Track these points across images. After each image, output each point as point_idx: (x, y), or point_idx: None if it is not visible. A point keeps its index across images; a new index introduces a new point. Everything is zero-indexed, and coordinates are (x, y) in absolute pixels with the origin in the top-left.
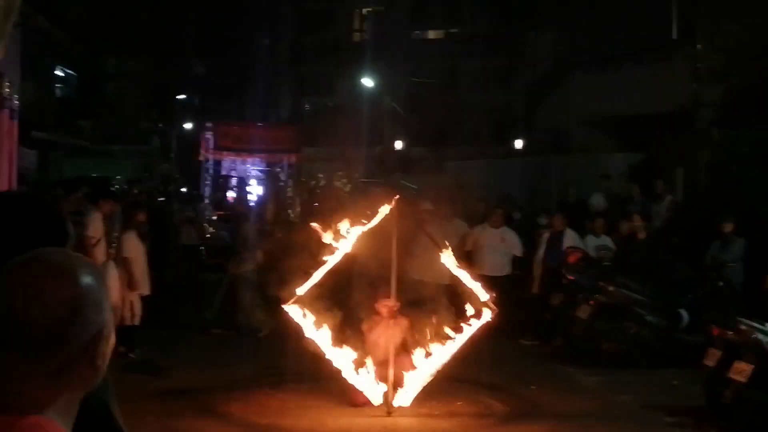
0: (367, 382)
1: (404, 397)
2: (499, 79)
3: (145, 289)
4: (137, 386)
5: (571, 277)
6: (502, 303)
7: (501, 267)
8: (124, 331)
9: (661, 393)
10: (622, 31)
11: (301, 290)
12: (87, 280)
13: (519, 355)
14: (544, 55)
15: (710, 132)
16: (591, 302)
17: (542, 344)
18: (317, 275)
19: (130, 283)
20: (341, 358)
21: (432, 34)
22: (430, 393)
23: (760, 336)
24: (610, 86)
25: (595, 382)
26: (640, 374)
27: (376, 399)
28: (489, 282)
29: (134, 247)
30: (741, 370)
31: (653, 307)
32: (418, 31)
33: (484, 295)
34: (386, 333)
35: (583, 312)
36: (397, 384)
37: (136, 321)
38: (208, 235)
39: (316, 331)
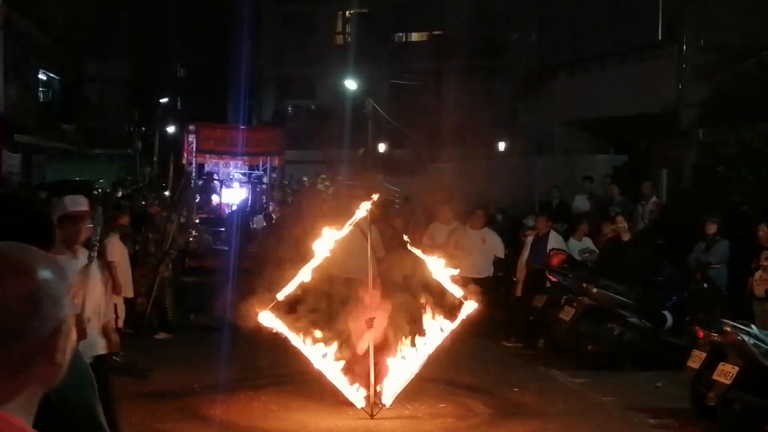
0: (349, 385)
1: (387, 395)
2: (482, 80)
3: (128, 292)
4: (120, 388)
5: (555, 279)
6: (484, 305)
7: (482, 268)
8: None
9: (645, 395)
10: (607, 31)
11: (281, 295)
12: (45, 274)
13: (502, 357)
14: (528, 56)
15: (695, 132)
16: (574, 304)
17: (526, 346)
18: (297, 280)
19: (114, 286)
20: (323, 359)
21: (415, 36)
22: (413, 395)
23: (745, 338)
24: (595, 87)
25: (579, 383)
26: (624, 376)
27: (359, 401)
28: (470, 284)
29: (118, 251)
30: (725, 372)
31: (637, 309)
32: (400, 34)
33: (459, 292)
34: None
35: (567, 314)
36: (379, 380)
37: (120, 324)
38: (191, 239)
39: (295, 334)
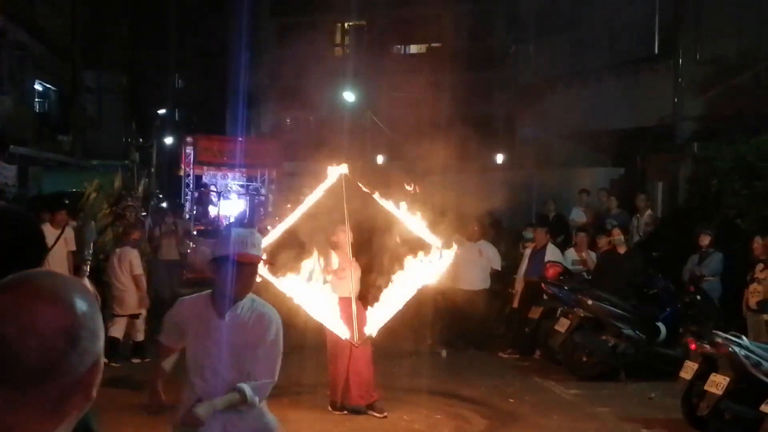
0: (339, 324)
1: (371, 328)
2: (480, 93)
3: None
4: (118, 399)
5: (550, 291)
6: (481, 317)
7: (479, 281)
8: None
9: (639, 405)
10: (604, 45)
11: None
12: (83, 306)
13: (498, 368)
14: (526, 68)
15: (691, 146)
16: (570, 316)
17: (521, 357)
18: (275, 234)
19: (140, 299)
20: (313, 301)
21: (414, 49)
22: (409, 406)
23: (736, 349)
24: (592, 100)
25: (574, 394)
26: (618, 387)
27: (345, 334)
28: (467, 296)
29: (139, 264)
30: (717, 383)
31: (631, 321)
32: (399, 46)
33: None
34: (348, 269)
35: (562, 325)
36: (361, 324)
37: (140, 337)
38: (189, 250)
39: (284, 281)
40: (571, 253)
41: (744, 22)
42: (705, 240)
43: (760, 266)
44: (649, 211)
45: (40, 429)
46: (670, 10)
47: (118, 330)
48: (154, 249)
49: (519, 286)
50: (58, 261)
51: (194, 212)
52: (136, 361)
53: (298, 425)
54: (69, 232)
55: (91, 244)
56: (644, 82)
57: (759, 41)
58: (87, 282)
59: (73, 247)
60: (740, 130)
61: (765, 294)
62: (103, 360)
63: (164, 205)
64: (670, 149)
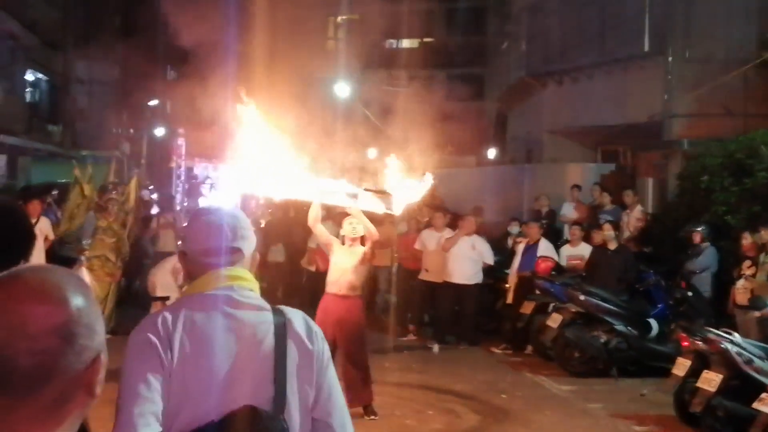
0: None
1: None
2: (472, 88)
3: None
4: (105, 393)
5: (542, 286)
6: (473, 311)
7: (471, 275)
8: None
9: (631, 402)
10: (595, 42)
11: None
12: (77, 301)
13: (490, 364)
14: (517, 64)
15: (681, 143)
16: (562, 311)
17: (513, 353)
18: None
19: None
20: None
21: (406, 44)
22: (401, 401)
23: (729, 346)
24: (582, 97)
25: (566, 390)
26: (610, 383)
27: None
28: (459, 290)
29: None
30: (709, 380)
31: (623, 317)
32: (392, 40)
33: None
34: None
35: (554, 321)
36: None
37: None
38: (179, 243)
39: None
40: (567, 249)
41: (732, 21)
42: (696, 237)
43: (748, 263)
44: (639, 207)
45: (42, 431)
46: (660, 9)
47: None
48: (152, 240)
49: (512, 281)
50: (36, 253)
51: (185, 204)
52: None
53: None
54: (44, 222)
55: (90, 234)
56: (634, 79)
57: (746, 41)
58: (84, 273)
59: (51, 236)
60: (729, 128)
61: (754, 291)
62: (105, 354)
63: (154, 196)
64: (659, 146)
